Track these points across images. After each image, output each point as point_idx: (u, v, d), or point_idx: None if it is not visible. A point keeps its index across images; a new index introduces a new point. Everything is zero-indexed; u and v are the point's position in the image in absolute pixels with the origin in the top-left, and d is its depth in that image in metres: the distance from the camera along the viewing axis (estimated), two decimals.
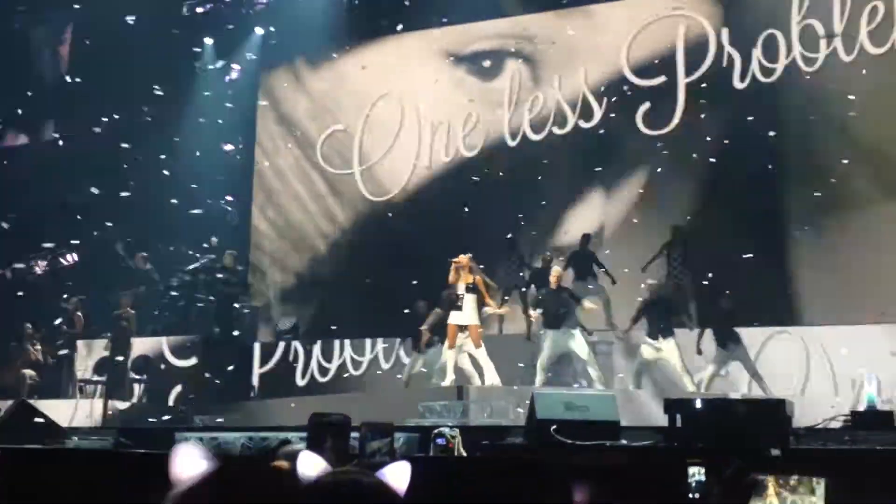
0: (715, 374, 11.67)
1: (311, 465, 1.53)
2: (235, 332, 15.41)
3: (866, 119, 12.87)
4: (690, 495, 5.52)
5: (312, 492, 1.47)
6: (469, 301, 11.19)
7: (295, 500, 1.46)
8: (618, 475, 6.00)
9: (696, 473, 5.74)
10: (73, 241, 16.27)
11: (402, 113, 16.29)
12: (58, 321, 14.80)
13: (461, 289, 11.22)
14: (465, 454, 6.76)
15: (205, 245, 15.48)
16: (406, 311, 13.63)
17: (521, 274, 14.06)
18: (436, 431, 6.97)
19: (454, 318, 11.26)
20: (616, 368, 12.67)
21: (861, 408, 8.15)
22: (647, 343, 11.88)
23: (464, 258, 11.37)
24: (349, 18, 16.36)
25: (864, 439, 6.57)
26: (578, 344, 11.63)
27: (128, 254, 15.56)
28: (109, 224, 15.81)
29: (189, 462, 1.46)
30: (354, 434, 5.70)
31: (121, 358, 14.03)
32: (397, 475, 1.53)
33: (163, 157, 15.99)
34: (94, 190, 15.64)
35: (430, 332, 12.21)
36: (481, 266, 11.91)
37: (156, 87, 15.85)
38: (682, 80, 14.26)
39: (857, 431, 6.78)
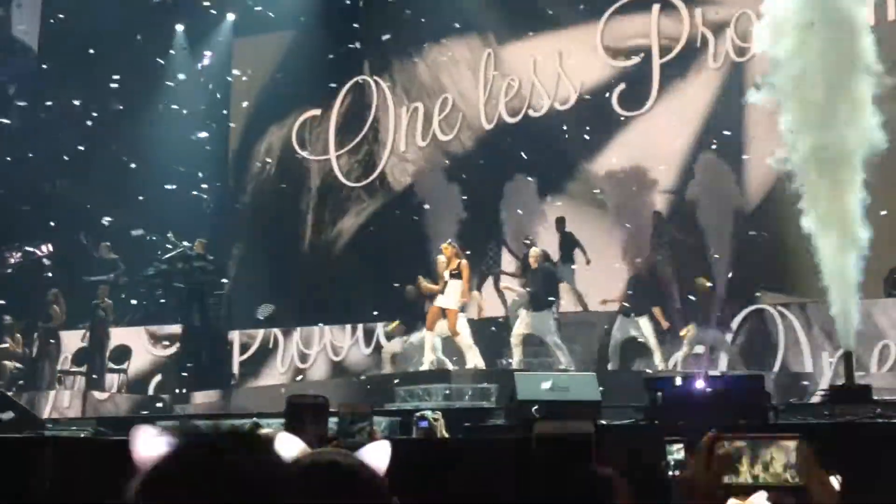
0: (690, 352, 11.72)
1: (288, 447, 1.50)
2: (214, 320, 15.34)
3: None
4: (669, 473, 5.55)
5: (289, 473, 1.44)
6: (453, 286, 11.22)
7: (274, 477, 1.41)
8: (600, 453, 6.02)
9: (676, 451, 5.77)
10: (47, 231, 16.10)
11: (379, 97, 16.24)
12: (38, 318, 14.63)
13: (446, 275, 11.26)
14: (447, 436, 6.78)
15: (161, 251, 15.28)
16: (386, 295, 13.64)
17: (499, 254, 14.15)
18: (418, 414, 6.99)
19: (438, 300, 11.30)
20: (591, 347, 12.70)
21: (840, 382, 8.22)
22: (623, 321, 11.93)
23: (446, 248, 11.39)
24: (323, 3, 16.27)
25: (843, 413, 6.64)
26: (546, 328, 11.63)
27: (91, 244, 15.43)
28: (96, 207, 15.71)
29: (151, 443, 1.40)
30: (334, 420, 5.71)
31: (99, 348, 13.94)
32: (377, 455, 1.50)
33: (134, 145, 15.89)
34: (64, 181, 15.54)
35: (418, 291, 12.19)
36: (467, 252, 11.92)
37: (123, 75, 15.75)
38: (656, 61, 14.28)
39: (836, 405, 6.85)
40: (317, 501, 1.37)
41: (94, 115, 16.28)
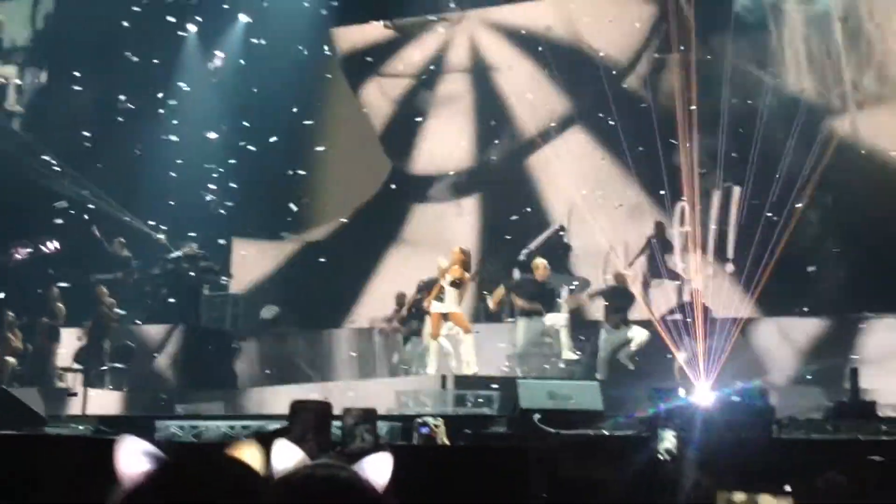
0: (686, 361, 11.65)
1: (285, 457, 1.47)
2: (218, 321, 15.33)
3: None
4: (660, 457, 5.58)
5: (283, 487, 1.41)
6: (451, 293, 11.15)
7: (256, 497, 1.39)
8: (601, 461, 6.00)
9: (667, 439, 5.79)
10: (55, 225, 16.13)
11: (389, 96, 16.30)
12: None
13: (446, 281, 11.18)
14: (448, 443, 6.74)
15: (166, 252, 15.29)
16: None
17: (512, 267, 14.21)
18: (419, 420, 6.94)
19: (436, 307, 11.22)
20: (592, 356, 12.65)
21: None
22: (613, 330, 11.91)
23: (455, 254, 11.31)
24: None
25: (847, 429, 6.59)
26: (553, 327, 11.62)
27: (105, 238, 15.42)
28: (92, 206, 15.77)
29: (133, 457, 1.40)
30: (338, 423, 5.67)
31: (101, 345, 13.94)
32: (377, 467, 1.46)
33: (143, 144, 15.93)
34: (73, 179, 15.63)
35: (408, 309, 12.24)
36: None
37: (133, 75, 15.81)
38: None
39: (840, 421, 6.80)
40: None
41: (105, 113, 16.32)
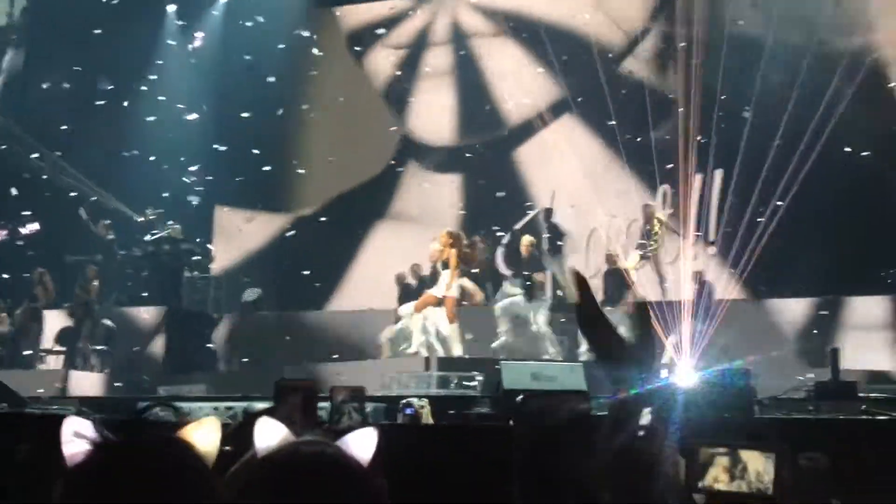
0: (674, 343, 11.70)
1: (269, 435, 1.45)
2: (200, 303, 15.27)
3: None
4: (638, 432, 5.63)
5: (268, 465, 1.40)
6: (444, 275, 11.17)
7: (200, 481, 1.38)
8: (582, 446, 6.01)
9: (643, 415, 5.82)
10: (27, 212, 15.97)
11: (382, 75, 16.26)
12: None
13: (439, 264, 11.23)
14: (433, 423, 6.75)
15: (140, 219, 15.18)
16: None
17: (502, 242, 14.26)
18: (404, 401, 6.95)
19: (433, 289, 11.27)
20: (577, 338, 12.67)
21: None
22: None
23: (443, 237, 11.30)
24: None
25: (828, 409, 6.64)
26: (536, 313, 11.63)
27: (91, 220, 15.31)
28: (74, 194, 15.66)
29: (76, 438, 1.37)
30: (323, 404, 5.67)
31: (83, 327, 13.86)
32: (362, 443, 1.45)
33: (122, 126, 15.80)
34: (51, 161, 15.48)
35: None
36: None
37: (113, 55, 15.64)
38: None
39: (821, 401, 6.85)
40: (297, 493, 1.34)
41: (83, 94, 16.17)
